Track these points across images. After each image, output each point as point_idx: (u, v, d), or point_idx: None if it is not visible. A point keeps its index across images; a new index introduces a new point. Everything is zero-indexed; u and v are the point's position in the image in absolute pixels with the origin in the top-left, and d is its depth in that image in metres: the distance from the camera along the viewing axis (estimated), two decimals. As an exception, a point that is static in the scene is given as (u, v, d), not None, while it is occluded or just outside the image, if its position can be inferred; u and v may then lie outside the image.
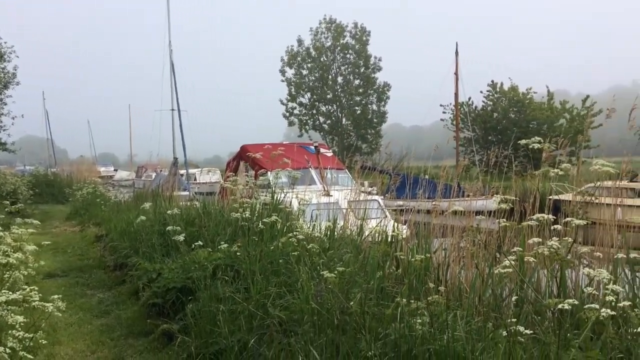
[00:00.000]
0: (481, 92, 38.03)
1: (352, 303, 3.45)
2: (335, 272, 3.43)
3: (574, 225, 2.53)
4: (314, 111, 49.84)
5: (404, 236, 6.31)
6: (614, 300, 2.49)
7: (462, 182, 13.01)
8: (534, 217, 2.63)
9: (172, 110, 27.56)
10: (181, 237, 5.40)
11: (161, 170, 27.40)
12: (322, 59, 49.05)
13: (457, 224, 6.19)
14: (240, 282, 4.86)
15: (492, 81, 37.82)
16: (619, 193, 8.40)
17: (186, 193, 15.28)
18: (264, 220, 5.37)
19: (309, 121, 49.80)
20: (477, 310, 3.99)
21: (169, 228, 5.72)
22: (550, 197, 6.78)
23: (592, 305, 2.14)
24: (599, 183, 6.72)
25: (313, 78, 49.40)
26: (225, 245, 5.39)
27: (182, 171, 25.06)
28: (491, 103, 37.56)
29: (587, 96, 33.76)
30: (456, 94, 31.06)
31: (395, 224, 6.81)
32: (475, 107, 38.00)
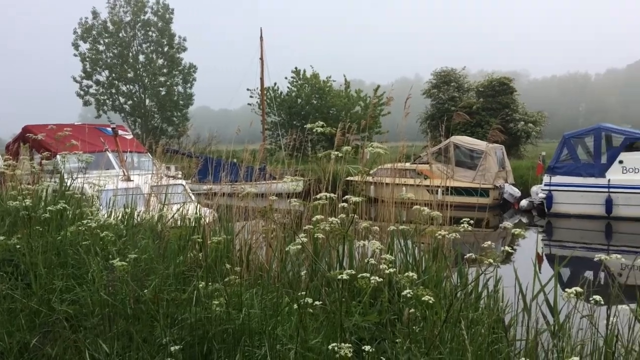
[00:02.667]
0: (286, 78, 39.42)
1: (146, 291, 3.34)
2: (128, 259, 3.27)
3: (352, 202, 2.78)
4: (113, 90, 46.50)
5: (207, 220, 6.30)
6: (387, 267, 2.82)
7: (268, 165, 13.41)
8: (319, 195, 2.82)
9: None
10: (-58, 232, 4.64)
11: None
12: (120, 35, 45.86)
13: (258, 205, 6.37)
14: (20, 278, 4.36)
15: (296, 68, 39.41)
16: (402, 173, 9.44)
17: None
18: (49, 208, 4.88)
19: (107, 101, 46.32)
20: (276, 287, 4.18)
21: None
22: (348, 178, 7.37)
23: (364, 274, 2.39)
24: (388, 165, 7.49)
25: (111, 54, 45.97)
26: (2, 238, 4.78)
27: (-51, 155, 21.42)
28: (295, 89, 39.15)
29: (378, 86, 37.11)
30: (261, 79, 31.72)
31: (198, 208, 6.76)
32: (281, 92, 39.26)
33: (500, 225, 3.08)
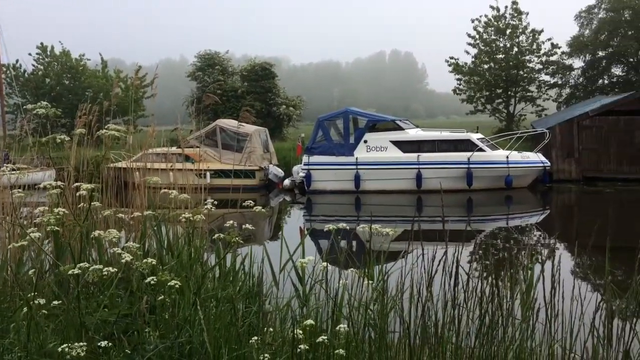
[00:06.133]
0: (30, 54, 34.84)
1: None
2: None
3: (85, 189, 2.56)
4: None
5: None
6: (128, 256, 2.68)
7: (12, 153, 11.68)
8: (43, 184, 2.54)
9: None
10: None
11: None
12: None
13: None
14: None
15: (42, 43, 35.09)
16: (169, 158, 9.11)
17: None
18: None
19: None
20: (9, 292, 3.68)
21: None
22: (113, 164, 6.81)
23: (96, 267, 2.23)
24: (156, 150, 7.14)
25: None
26: None
27: None
28: (42, 68, 34.89)
29: (140, 67, 35.24)
30: (-3, 55, 27.46)
31: None
32: (24, 70, 34.59)
33: (244, 204, 3.19)
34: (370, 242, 2.94)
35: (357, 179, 19.44)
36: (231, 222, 2.76)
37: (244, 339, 2.62)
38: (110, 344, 2.27)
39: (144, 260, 2.33)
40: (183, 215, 2.77)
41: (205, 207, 2.82)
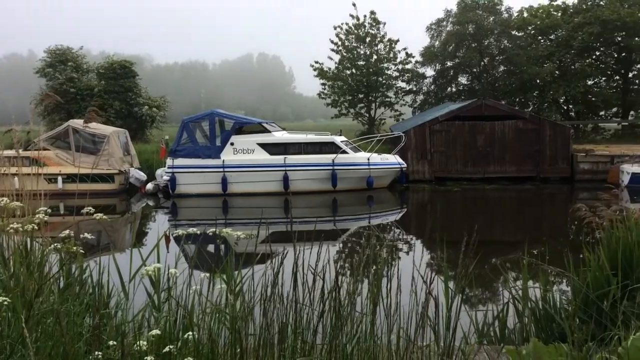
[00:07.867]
0: None
1: None
2: None
3: None
4: None
5: None
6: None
7: None
8: None
9: None
10: None
11: None
12: None
13: None
14: None
15: None
16: (13, 162, 8.28)
17: None
18: None
19: None
20: None
21: None
22: None
23: None
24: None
25: None
26: None
27: None
28: None
29: (-22, 61, 31.67)
30: None
31: None
32: None
33: (82, 211, 2.99)
34: (218, 245, 2.92)
35: (224, 182, 19.24)
36: (68, 231, 2.58)
37: (83, 355, 2.47)
38: None
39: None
40: (11, 225, 2.53)
41: (38, 215, 2.60)
